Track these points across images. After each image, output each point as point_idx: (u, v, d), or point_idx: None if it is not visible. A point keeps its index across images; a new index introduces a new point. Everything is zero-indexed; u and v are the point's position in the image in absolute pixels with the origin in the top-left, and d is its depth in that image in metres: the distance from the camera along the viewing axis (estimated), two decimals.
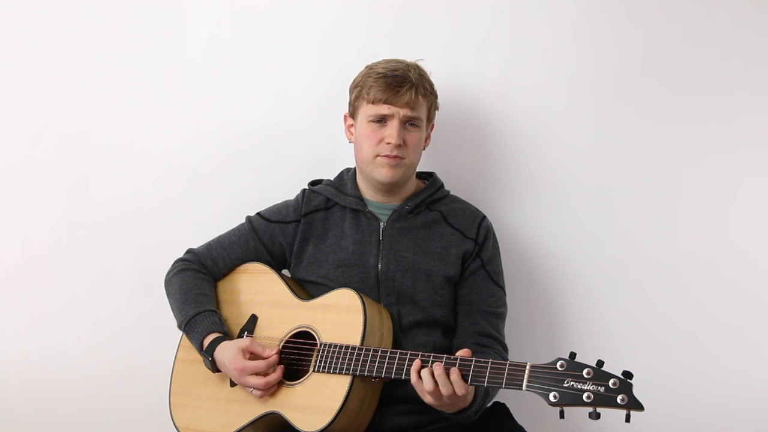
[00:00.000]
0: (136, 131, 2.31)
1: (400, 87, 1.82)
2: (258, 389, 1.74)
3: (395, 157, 1.83)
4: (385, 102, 1.83)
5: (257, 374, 1.74)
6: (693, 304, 2.08)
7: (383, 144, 1.84)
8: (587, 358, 1.47)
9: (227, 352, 1.78)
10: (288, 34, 2.25)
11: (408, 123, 1.85)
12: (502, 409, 1.89)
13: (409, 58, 1.92)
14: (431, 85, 1.90)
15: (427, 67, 1.92)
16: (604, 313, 2.11)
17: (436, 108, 1.94)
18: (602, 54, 2.11)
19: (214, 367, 1.81)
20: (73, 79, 2.33)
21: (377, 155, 1.85)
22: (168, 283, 1.96)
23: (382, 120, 1.84)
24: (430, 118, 1.92)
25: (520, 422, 1.85)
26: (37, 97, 2.34)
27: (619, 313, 2.10)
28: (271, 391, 1.75)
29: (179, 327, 1.88)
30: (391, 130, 1.83)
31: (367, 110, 1.86)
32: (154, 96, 2.31)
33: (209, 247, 1.99)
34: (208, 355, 1.80)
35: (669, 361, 2.07)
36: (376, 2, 2.21)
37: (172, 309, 1.92)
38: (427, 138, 1.95)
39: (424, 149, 1.94)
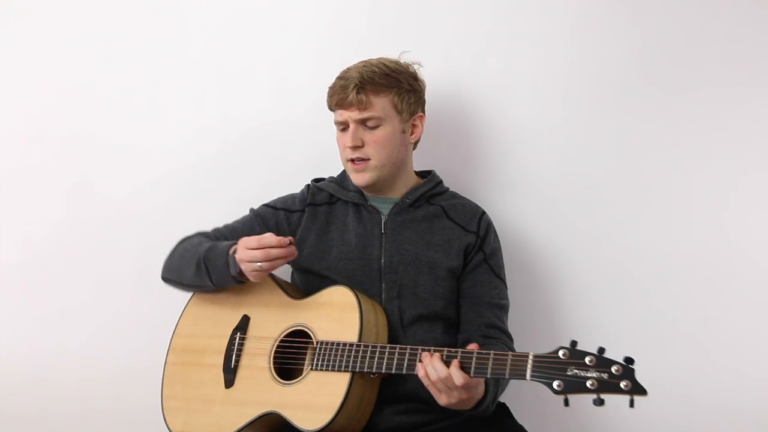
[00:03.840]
0: (136, 131, 2.32)
1: (345, 90, 1.82)
2: (261, 261, 1.71)
3: (357, 160, 1.84)
4: (337, 107, 1.85)
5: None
6: (692, 300, 2.06)
7: (347, 150, 1.85)
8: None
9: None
10: (287, 33, 2.26)
11: (365, 123, 1.84)
12: (502, 408, 1.89)
13: (408, 58, 1.92)
14: (390, 79, 1.84)
15: (424, 65, 1.92)
16: (602, 309, 2.10)
17: (410, 100, 1.87)
18: (600, 52, 2.11)
19: (241, 275, 1.76)
20: (73, 78, 2.33)
21: (347, 160, 1.87)
22: (169, 256, 1.93)
23: (343, 126, 1.86)
24: (399, 111, 1.86)
25: (520, 422, 1.84)
26: (38, 97, 2.35)
27: (618, 309, 2.09)
28: (274, 257, 1.71)
29: (198, 266, 1.82)
30: (347, 135, 1.84)
31: (333, 118, 1.88)
32: (154, 95, 2.31)
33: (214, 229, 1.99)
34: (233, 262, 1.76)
35: (667, 357, 2.05)
36: (375, 1, 2.21)
37: (180, 271, 1.88)
38: (413, 132, 1.91)
39: (414, 143, 1.94)
